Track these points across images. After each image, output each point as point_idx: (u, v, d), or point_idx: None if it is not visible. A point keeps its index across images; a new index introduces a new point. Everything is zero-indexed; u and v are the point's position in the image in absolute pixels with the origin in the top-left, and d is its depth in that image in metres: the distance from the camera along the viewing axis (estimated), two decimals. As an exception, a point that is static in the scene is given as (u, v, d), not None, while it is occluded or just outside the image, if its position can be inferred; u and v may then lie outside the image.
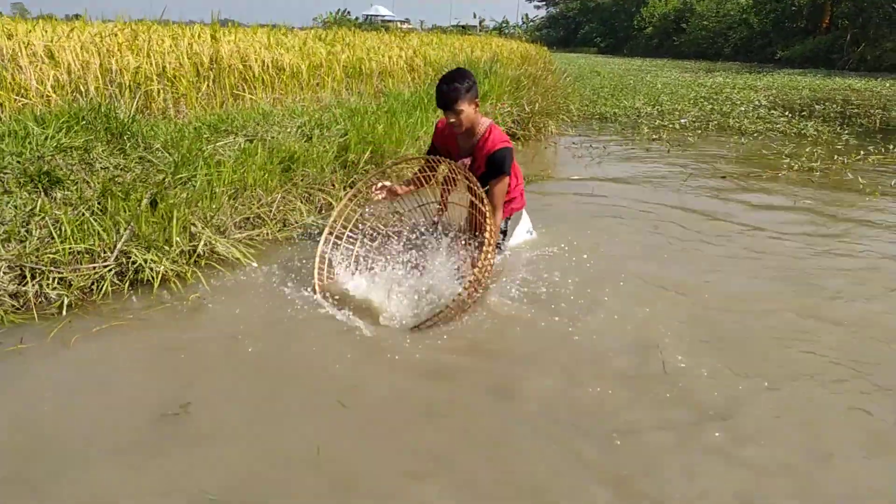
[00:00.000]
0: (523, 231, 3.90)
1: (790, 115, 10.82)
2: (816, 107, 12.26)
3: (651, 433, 2.09)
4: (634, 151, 7.39)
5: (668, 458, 1.99)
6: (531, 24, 70.13)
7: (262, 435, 2.02)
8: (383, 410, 2.20)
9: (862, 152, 7.34)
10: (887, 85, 18.46)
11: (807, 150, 7.41)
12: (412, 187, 3.57)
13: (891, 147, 7.71)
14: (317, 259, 3.10)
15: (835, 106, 12.50)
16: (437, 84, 3.15)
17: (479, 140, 3.32)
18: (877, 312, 3.03)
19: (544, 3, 79.55)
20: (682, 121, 9.81)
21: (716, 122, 9.72)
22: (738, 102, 12.29)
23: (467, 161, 3.40)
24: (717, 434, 2.08)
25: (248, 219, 3.80)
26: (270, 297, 3.00)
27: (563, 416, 2.17)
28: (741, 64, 33.35)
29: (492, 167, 3.26)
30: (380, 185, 3.36)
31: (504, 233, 3.63)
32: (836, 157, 7.06)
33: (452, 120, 3.15)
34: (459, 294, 2.60)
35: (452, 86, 3.09)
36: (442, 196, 3.67)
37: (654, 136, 8.46)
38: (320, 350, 2.55)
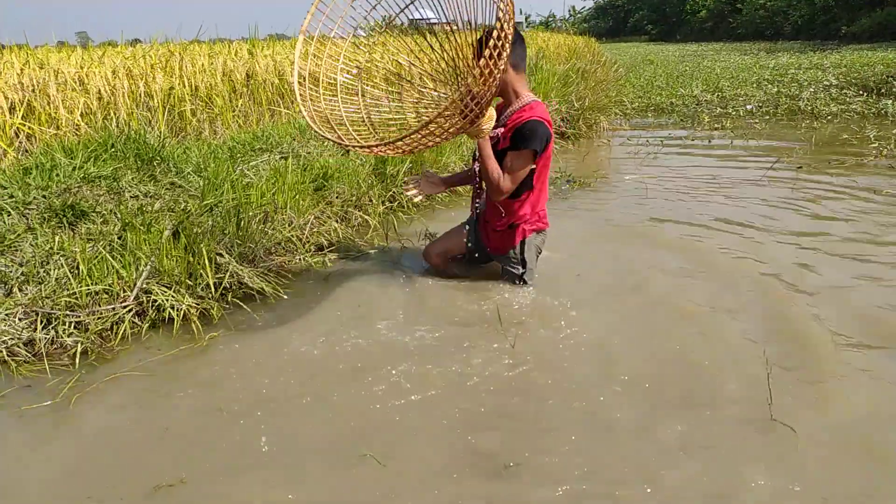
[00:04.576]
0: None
1: (865, 93, 9.99)
2: (895, 83, 11.32)
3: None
4: (694, 144, 6.87)
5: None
6: (578, 16, 68.93)
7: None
8: (417, 464, 1.88)
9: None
10: (971, 54, 17.07)
11: (894, 131, 6.72)
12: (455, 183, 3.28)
13: None
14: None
15: (915, 81, 11.52)
16: None
17: (515, 111, 2.85)
18: None
19: (591, -7, 78.14)
20: (749, 107, 9.16)
21: (785, 106, 9.03)
22: (806, 83, 11.47)
23: (499, 131, 2.90)
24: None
25: (279, 243, 3.56)
26: (294, 336, 2.72)
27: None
28: (803, 43, 31.67)
29: (514, 137, 2.80)
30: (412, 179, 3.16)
31: (524, 262, 3.10)
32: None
33: None
34: None
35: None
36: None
37: (716, 126, 7.89)
38: (345, 399, 2.25)
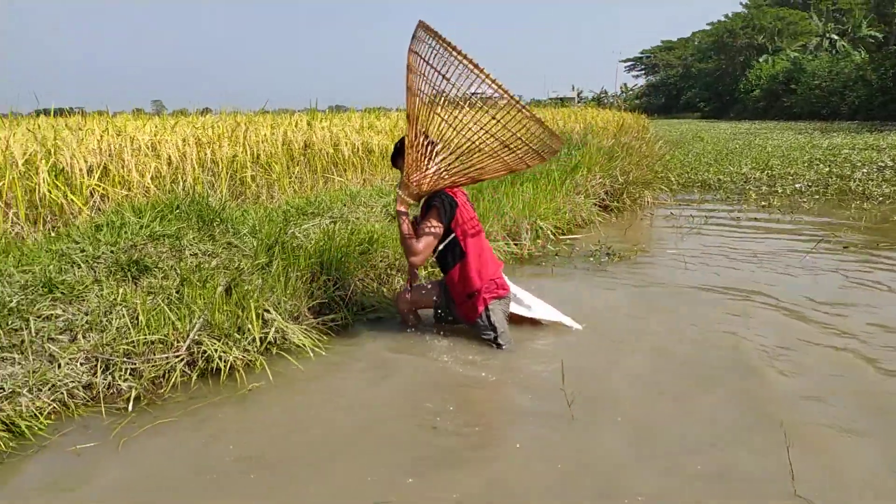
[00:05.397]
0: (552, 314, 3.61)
1: (922, 175, 9.83)
2: (953, 165, 11.11)
3: None
4: (740, 221, 6.88)
5: None
6: (630, 92, 69.96)
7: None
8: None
9: None
10: None
11: (946, 214, 6.61)
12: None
13: None
14: None
15: (975, 163, 11.27)
16: None
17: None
18: None
19: (643, 71, 79.50)
20: (797, 185, 9.13)
21: (835, 186, 8.96)
22: (860, 164, 11.35)
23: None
24: None
25: (324, 303, 3.74)
26: (328, 393, 2.89)
27: None
28: (861, 123, 31.28)
29: (423, 207, 3.27)
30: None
31: (493, 328, 3.31)
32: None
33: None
34: None
35: (395, 147, 3.33)
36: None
37: (763, 203, 7.89)
38: (373, 457, 2.35)
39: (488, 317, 3.31)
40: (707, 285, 4.35)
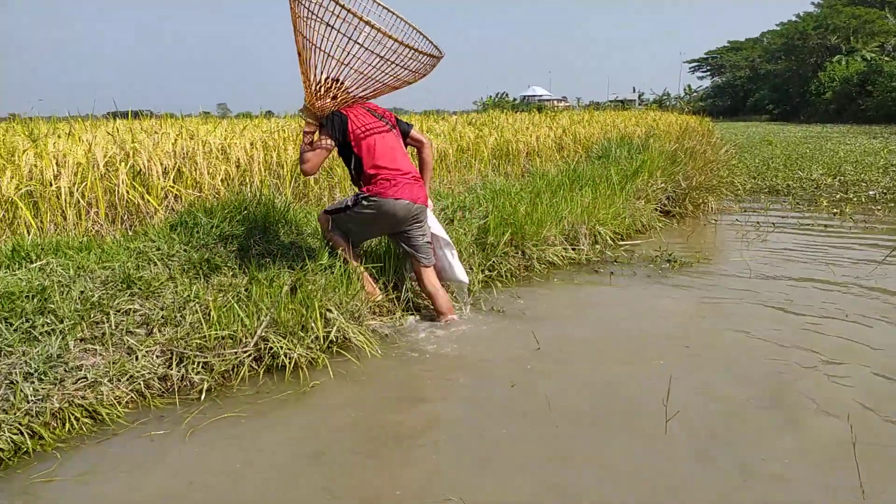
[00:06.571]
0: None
1: None
2: None
3: None
4: (809, 229, 6.63)
5: None
6: (694, 94, 68.09)
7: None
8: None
9: None
10: None
11: None
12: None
13: None
14: None
15: None
16: None
17: None
18: None
19: (708, 73, 77.33)
20: (872, 192, 8.73)
21: (912, 193, 8.54)
22: (941, 169, 10.77)
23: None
24: None
25: (381, 304, 3.82)
26: (380, 392, 2.99)
27: None
28: (944, 126, 29.55)
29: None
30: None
31: (347, 206, 3.65)
32: None
33: None
34: None
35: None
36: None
37: (834, 210, 7.58)
38: (436, 454, 2.41)
39: (356, 201, 3.59)
40: (771, 296, 4.24)
